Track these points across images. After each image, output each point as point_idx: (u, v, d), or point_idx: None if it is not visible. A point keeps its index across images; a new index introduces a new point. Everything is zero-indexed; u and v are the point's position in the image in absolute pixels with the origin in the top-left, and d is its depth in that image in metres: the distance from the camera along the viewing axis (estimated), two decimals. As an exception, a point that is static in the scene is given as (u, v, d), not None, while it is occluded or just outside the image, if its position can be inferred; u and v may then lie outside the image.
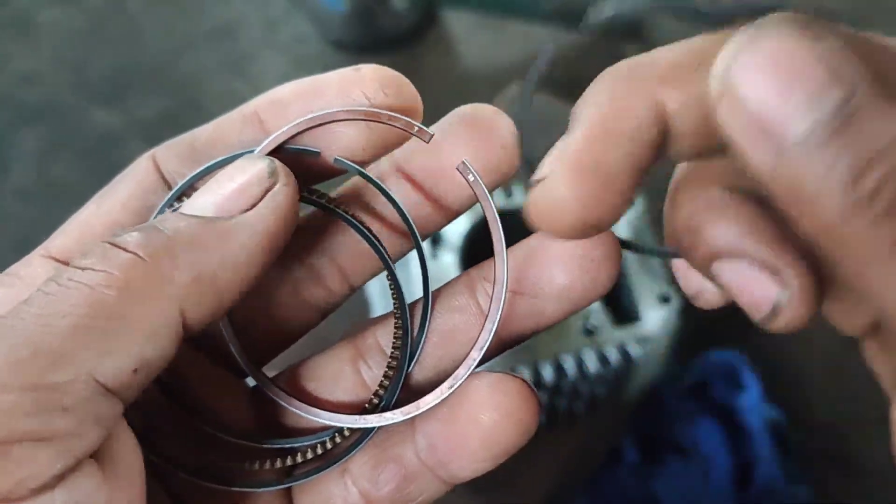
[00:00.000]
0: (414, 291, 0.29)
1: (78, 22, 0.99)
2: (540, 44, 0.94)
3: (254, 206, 0.24)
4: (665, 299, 0.62)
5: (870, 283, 0.19)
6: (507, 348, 0.28)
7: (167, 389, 0.28)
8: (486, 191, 0.27)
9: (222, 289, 0.23)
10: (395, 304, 0.28)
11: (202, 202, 0.24)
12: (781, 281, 0.22)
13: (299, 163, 0.26)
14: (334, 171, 0.28)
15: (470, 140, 0.27)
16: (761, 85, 0.18)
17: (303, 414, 0.28)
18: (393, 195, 0.28)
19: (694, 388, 0.70)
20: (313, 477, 0.28)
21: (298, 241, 0.28)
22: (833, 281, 0.23)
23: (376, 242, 0.28)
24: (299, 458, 0.28)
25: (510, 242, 0.27)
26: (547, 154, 0.23)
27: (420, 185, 0.28)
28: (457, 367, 0.27)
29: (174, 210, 0.26)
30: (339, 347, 0.29)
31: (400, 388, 0.28)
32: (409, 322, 0.28)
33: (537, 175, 0.23)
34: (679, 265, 0.27)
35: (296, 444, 0.28)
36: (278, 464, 0.28)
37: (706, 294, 0.26)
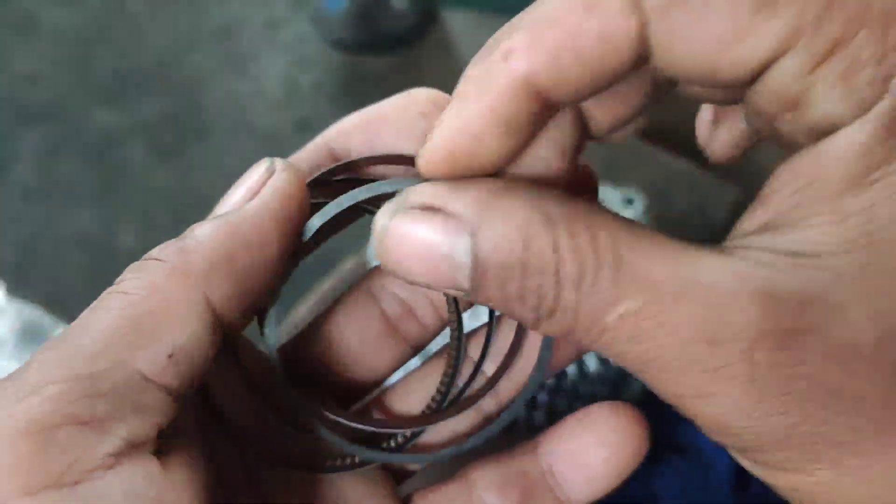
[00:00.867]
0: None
1: (80, 22, 0.99)
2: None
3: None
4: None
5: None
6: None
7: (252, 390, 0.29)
8: None
9: (241, 272, 0.25)
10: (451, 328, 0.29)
11: (219, 211, 0.26)
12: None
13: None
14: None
15: None
16: (413, 265, 0.22)
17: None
18: None
19: (694, 387, 0.70)
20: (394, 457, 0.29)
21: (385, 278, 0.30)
22: None
23: None
24: (391, 444, 0.29)
25: None
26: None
27: None
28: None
29: None
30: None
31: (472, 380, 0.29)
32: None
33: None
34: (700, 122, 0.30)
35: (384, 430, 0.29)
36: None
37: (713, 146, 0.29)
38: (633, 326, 0.20)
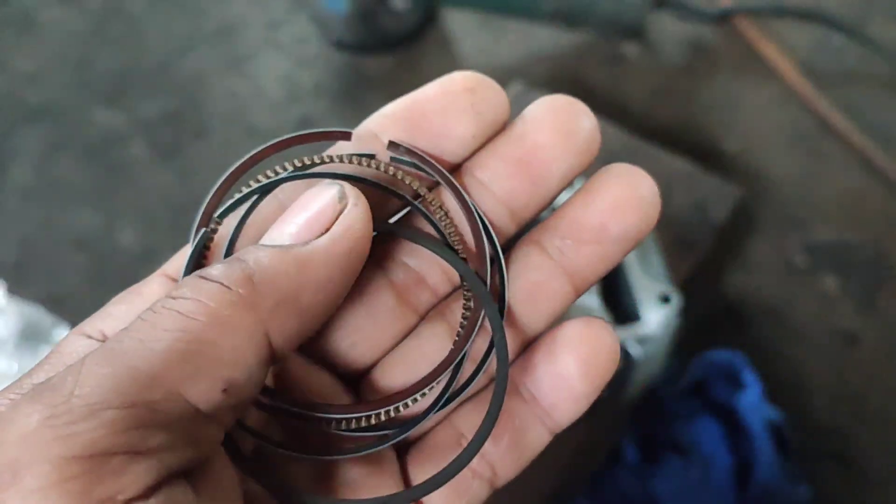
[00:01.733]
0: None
1: (79, 22, 0.99)
2: (540, 44, 0.94)
3: (327, 230, 0.25)
4: (665, 299, 0.62)
5: None
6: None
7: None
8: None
9: (305, 311, 0.25)
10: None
11: (279, 233, 0.26)
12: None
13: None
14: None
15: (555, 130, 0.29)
16: None
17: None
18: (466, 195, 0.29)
19: (694, 387, 0.70)
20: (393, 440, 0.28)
21: (395, 246, 0.30)
22: None
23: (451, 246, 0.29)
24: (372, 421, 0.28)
25: None
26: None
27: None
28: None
29: None
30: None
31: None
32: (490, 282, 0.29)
33: None
34: None
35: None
36: (366, 421, 0.27)
37: None
38: None
